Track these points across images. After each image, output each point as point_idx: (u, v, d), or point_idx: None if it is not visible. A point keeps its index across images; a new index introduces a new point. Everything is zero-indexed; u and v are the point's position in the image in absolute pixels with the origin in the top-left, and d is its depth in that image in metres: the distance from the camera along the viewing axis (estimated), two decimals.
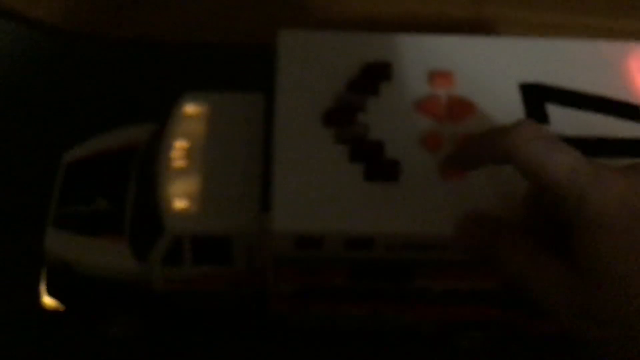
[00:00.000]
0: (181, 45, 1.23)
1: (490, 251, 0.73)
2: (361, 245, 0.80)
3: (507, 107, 0.87)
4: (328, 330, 1.00)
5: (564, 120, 0.86)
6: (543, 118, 0.86)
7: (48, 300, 0.97)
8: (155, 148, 0.93)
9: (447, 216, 0.79)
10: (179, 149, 0.90)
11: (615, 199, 0.63)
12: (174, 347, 1.01)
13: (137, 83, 1.18)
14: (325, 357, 1.02)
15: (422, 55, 0.91)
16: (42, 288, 0.97)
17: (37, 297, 0.98)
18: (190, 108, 0.94)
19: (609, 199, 0.63)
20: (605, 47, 0.92)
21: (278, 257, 0.82)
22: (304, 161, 0.82)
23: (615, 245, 0.62)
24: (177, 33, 1.26)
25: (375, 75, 0.88)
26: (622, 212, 0.62)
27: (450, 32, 0.96)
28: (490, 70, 0.90)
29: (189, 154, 0.90)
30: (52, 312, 0.98)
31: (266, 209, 0.80)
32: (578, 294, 0.65)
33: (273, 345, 1.02)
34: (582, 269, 0.64)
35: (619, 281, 0.62)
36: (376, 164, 0.81)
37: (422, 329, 0.97)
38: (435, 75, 0.88)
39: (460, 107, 0.86)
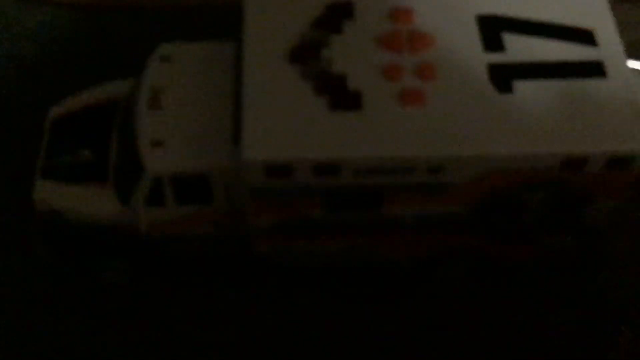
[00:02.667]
0: (155, 8, 1.28)
1: None
2: (329, 171, 0.85)
3: (465, 38, 0.91)
4: (309, 270, 1.05)
5: (520, 47, 0.90)
6: (499, 47, 0.90)
7: (43, 249, 1.02)
8: (134, 97, 0.98)
9: (408, 139, 0.83)
10: (155, 94, 0.95)
11: None
12: (166, 291, 1.06)
13: (117, 46, 1.24)
14: (309, 297, 1.06)
15: None
16: (37, 237, 1.02)
17: (33, 246, 1.03)
18: (166, 57, 0.98)
19: None
20: None
21: (252, 188, 0.87)
22: (271, 96, 0.86)
23: None
24: None
25: (338, 14, 0.92)
26: None
27: None
28: (448, 5, 0.93)
29: (166, 98, 0.94)
30: (48, 261, 1.04)
31: (238, 143, 0.84)
32: None
33: (258, 288, 1.07)
34: None
35: None
36: (339, 94, 0.86)
37: (400, 261, 1.02)
38: (396, 12, 0.92)
39: (420, 40, 0.90)
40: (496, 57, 0.89)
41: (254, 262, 1.01)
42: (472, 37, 0.91)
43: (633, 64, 1.20)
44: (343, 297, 1.06)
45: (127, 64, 1.08)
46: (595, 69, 0.88)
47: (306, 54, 0.89)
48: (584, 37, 0.91)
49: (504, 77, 0.88)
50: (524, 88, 0.87)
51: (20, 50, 1.26)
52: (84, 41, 1.27)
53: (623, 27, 0.95)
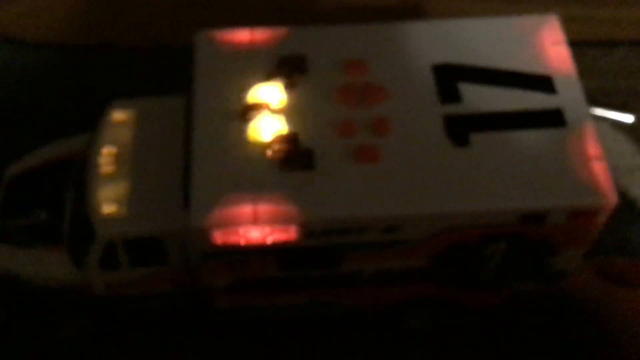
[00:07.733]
0: (108, 49, 1.25)
1: None
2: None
3: (421, 89, 0.88)
4: (272, 322, 1.02)
5: (477, 97, 0.88)
6: (455, 97, 0.88)
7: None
8: (86, 157, 0.96)
9: (362, 199, 0.81)
10: (107, 155, 0.93)
11: None
12: (126, 346, 1.04)
13: (66, 90, 1.19)
14: (274, 350, 1.04)
15: (337, 46, 0.92)
16: None
17: None
18: (117, 115, 0.96)
19: None
20: (515, 23, 0.94)
21: (204, 252, 0.84)
22: (221, 157, 0.84)
23: None
24: (102, 37, 1.27)
25: (290, 68, 0.90)
26: None
27: (377, 19, 0.98)
28: (403, 55, 0.91)
29: (118, 159, 0.92)
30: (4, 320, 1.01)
31: (187, 207, 0.82)
32: None
33: (220, 342, 1.04)
34: None
35: None
36: (291, 154, 0.83)
37: (365, 311, 0.99)
38: (350, 64, 0.90)
39: (374, 93, 0.88)
40: (452, 109, 0.87)
41: (216, 316, 0.99)
42: (428, 88, 0.89)
43: (597, 111, 1.18)
44: (310, 350, 1.03)
45: (78, 111, 1.05)
46: (554, 118, 0.86)
47: (257, 112, 0.86)
48: (543, 84, 0.89)
49: (460, 129, 0.85)
50: (481, 140, 0.85)
51: None
52: (50, 82, 1.22)
53: (587, 73, 0.93)
